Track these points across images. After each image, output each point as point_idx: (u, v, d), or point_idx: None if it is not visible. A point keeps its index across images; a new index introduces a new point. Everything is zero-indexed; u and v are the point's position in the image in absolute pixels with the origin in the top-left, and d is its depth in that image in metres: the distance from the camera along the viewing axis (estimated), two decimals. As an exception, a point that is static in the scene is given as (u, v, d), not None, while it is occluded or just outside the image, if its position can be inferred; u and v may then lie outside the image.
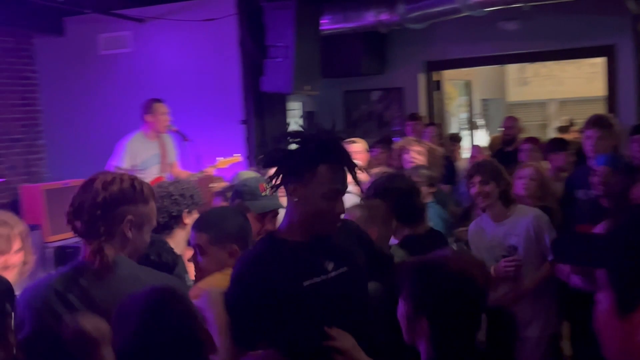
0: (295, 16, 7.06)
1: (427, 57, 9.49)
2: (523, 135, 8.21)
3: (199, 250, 2.84)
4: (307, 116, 10.00)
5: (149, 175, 6.47)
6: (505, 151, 7.87)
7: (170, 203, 3.32)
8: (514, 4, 7.11)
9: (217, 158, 6.61)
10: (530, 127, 12.08)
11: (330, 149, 2.43)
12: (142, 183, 2.38)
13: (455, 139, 8.69)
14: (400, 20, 7.61)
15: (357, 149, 6.21)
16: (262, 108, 8.04)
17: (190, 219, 3.31)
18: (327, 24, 7.84)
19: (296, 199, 2.47)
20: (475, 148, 8.42)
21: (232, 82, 7.92)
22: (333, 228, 2.52)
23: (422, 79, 9.67)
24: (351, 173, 2.53)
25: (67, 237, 6.49)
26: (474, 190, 4.25)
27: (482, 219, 4.45)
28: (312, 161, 2.41)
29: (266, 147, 7.58)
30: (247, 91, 7.92)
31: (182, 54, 8.15)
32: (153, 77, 8.18)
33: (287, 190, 2.50)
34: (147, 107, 6.50)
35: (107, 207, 2.27)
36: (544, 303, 4.37)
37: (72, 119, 8.67)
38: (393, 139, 8.93)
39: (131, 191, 2.31)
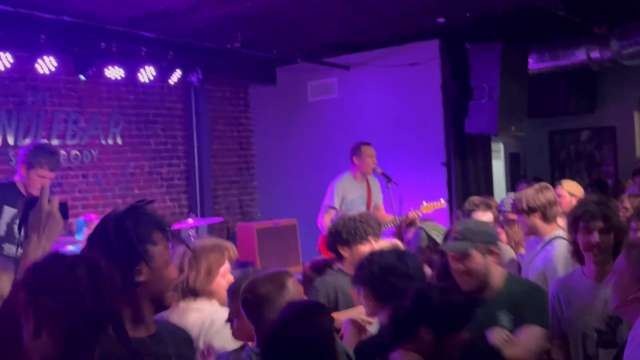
0: (501, 57, 6.98)
1: (643, 94, 8.92)
2: None
3: None
4: (511, 158, 9.77)
5: None
6: None
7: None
8: None
9: (423, 202, 6.60)
10: None
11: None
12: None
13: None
14: (613, 57, 7.23)
15: (560, 192, 5.83)
16: (464, 150, 7.98)
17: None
18: (533, 63, 7.65)
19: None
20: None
21: (434, 124, 7.97)
22: None
23: (637, 117, 9.08)
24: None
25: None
26: (591, 238, 3.19)
27: (575, 274, 3.42)
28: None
29: (468, 190, 7.49)
30: (449, 133, 7.91)
31: (386, 97, 8.36)
32: (358, 121, 8.46)
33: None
34: (355, 149, 6.70)
35: None
36: None
37: (282, 162, 9.18)
38: (608, 181, 8.44)
39: None
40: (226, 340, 2.83)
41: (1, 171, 6.87)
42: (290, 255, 7.47)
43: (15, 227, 4.55)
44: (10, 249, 4.72)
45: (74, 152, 7.48)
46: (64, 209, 2.09)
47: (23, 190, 4.81)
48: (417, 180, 7.72)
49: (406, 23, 7.11)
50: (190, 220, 6.84)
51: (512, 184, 9.26)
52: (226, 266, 3.17)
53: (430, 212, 6.41)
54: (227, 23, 6.70)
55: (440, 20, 6.97)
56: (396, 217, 6.44)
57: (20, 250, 2.12)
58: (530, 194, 4.47)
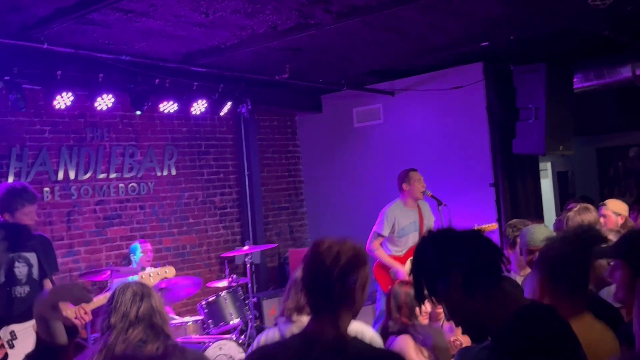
0: (546, 77, 7.05)
1: (691, 108, 8.86)
2: None
3: None
4: (559, 177, 9.75)
5: (407, 242, 6.74)
6: None
7: None
8: None
9: (475, 225, 6.66)
10: None
11: None
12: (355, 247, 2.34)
13: None
14: (659, 72, 7.25)
15: (605, 212, 5.82)
16: (512, 170, 8.02)
17: None
18: (579, 82, 7.70)
19: None
20: None
21: (481, 146, 8.03)
22: None
23: (685, 132, 9.02)
24: None
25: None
26: None
27: None
28: None
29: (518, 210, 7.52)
30: (496, 154, 7.97)
31: (431, 121, 8.46)
32: (404, 146, 8.57)
33: None
34: (403, 176, 6.82)
35: (344, 276, 2.24)
36: None
37: (329, 188, 9.33)
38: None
39: (357, 256, 2.30)
40: None
41: (64, 205, 7.17)
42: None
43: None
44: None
45: (132, 184, 7.75)
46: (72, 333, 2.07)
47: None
48: (467, 202, 7.79)
49: (450, 48, 7.23)
50: (245, 247, 7.02)
51: (562, 203, 9.24)
52: None
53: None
54: (275, 55, 6.92)
55: (484, 44, 7.07)
56: None
57: None
58: (571, 216, 4.49)
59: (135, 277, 5.98)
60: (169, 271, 4.92)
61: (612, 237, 4.93)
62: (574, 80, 7.62)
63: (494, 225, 6.73)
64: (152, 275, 4.79)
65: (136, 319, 2.87)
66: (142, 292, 2.97)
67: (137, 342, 2.82)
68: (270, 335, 3.23)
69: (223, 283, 6.81)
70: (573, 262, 2.68)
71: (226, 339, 6.01)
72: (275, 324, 3.26)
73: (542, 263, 2.75)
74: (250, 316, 6.73)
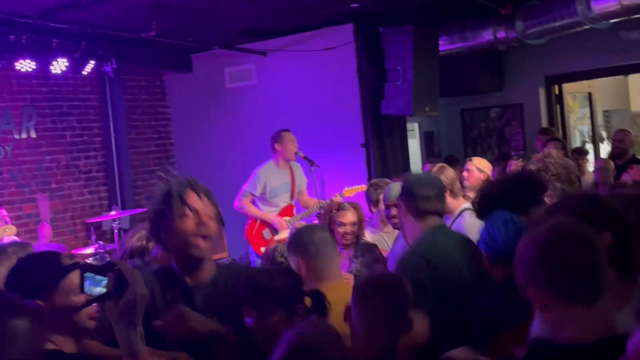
0: (413, 39, 7.19)
1: (547, 71, 9.35)
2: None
3: None
4: (426, 137, 10.07)
5: (279, 202, 6.77)
6: (616, 165, 7.48)
7: None
8: (637, 14, 6.93)
9: (345, 187, 6.76)
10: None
11: None
12: None
13: (581, 152, 8.48)
14: (518, 36, 7.58)
15: (469, 167, 6.12)
16: (382, 131, 8.18)
17: None
18: (444, 45, 7.92)
19: None
20: (600, 161, 8.18)
21: (352, 107, 8.12)
22: None
23: (542, 94, 9.52)
24: None
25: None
26: None
27: None
28: None
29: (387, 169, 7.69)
30: (366, 115, 8.09)
31: (303, 82, 8.45)
32: (277, 107, 8.52)
33: None
34: (276, 136, 6.81)
35: None
36: None
37: (201, 150, 9.15)
38: (511, 154, 8.86)
39: None
40: None
41: None
42: (216, 241, 7.49)
43: None
44: None
45: (-14, 148, 7.25)
46: None
47: None
48: (338, 163, 7.87)
49: (321, 8, 7.21)
50: (113, 212, 6.77)
51: (428, 162, 9.55)
52: None
53: (353, 195, 6.57)
54: (141, 12, 6.62)
55: (354, 5, 7.10)
56: (321, 201, 6.57)
57: None
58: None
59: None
60: (9, 230, 4.67)
61: (471, 194, 5.20)
62: (440, 42, 7.83)
63: (363, 187, 6.83)
64: None
65: None
66: None
67: None
68: None
69: (89, 250, 6.56)
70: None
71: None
72: None
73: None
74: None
